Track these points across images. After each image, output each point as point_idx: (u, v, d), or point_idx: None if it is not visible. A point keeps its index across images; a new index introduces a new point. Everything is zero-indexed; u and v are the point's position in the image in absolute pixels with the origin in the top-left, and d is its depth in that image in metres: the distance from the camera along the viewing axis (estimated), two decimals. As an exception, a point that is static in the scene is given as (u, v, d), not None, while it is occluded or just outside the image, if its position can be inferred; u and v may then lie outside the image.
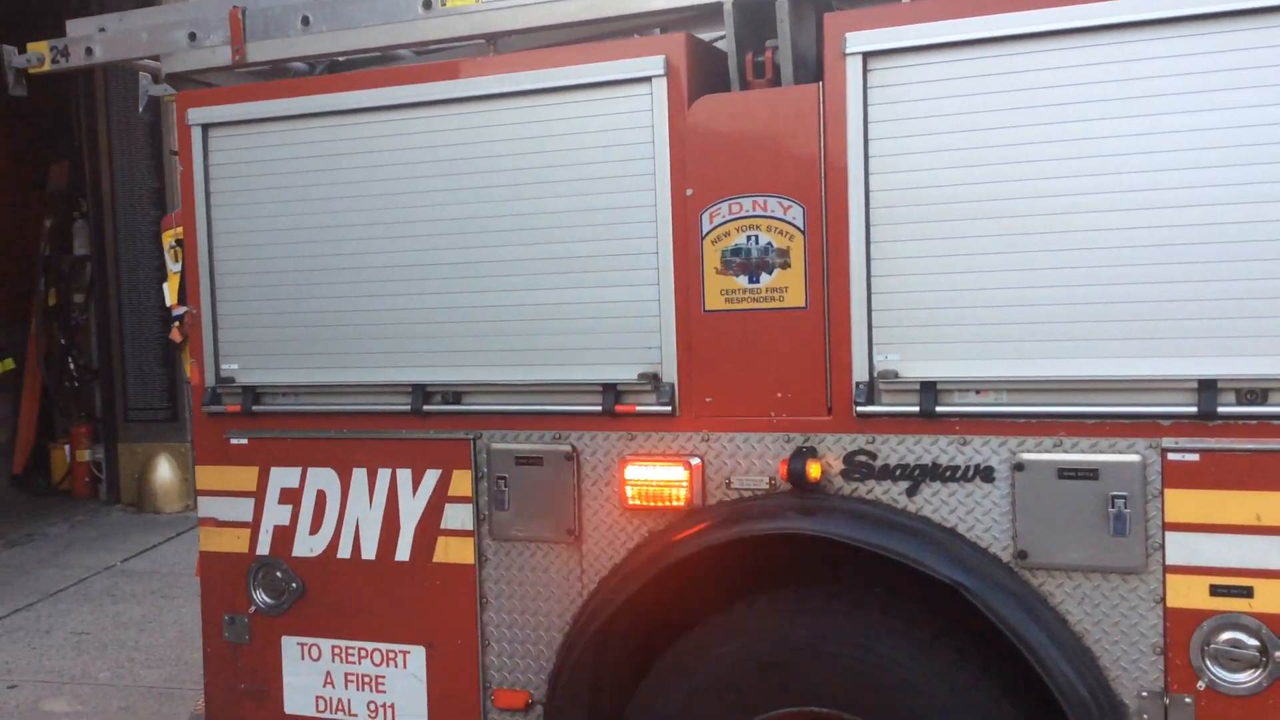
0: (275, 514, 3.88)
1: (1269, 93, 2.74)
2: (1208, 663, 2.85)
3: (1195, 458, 2.84)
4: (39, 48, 4.26)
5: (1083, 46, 2.91)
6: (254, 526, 3.92)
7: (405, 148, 3.61)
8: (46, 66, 4.26)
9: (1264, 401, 2.80)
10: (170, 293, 4.33)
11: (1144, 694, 2.91)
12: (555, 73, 3.42)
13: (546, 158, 3.44)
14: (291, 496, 3.86)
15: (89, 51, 4.15)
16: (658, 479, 3.36)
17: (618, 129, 3.37)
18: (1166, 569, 2.88)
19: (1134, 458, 2.89)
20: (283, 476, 3.87)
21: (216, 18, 3.92)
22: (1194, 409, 2.82)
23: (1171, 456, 2.86)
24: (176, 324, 4.16)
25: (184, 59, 3.99)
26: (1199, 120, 2.81)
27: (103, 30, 4.15)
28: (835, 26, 3.13)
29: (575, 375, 3.44)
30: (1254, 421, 2.80)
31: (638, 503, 3.38)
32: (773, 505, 3.24)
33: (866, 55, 3.09)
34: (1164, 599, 2.89)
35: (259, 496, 3.90)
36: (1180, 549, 2.86)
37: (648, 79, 3.32)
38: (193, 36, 3.98)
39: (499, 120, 3.49)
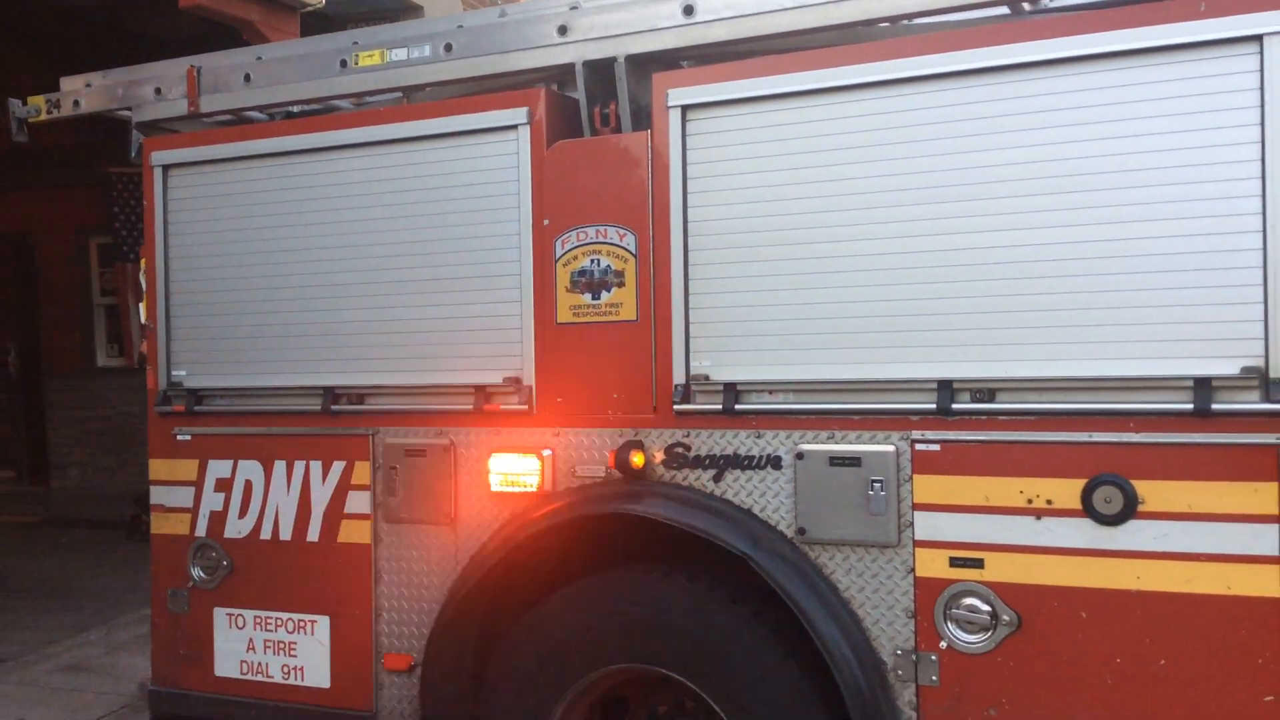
0: (211, 500, 4.59)
1: (998, 139, 3.34)
2: (948, 625, 3.40)
3: (937, 448, 3.42)
4: (37, 100, 5.10)
5: (857, 100, 3.54)
6: (194, 512, 4.63)
7: (319, 185, 4.35)
8: (43, 116, 5.09)
9: (992, 400, 3.37)
10: (144, 311, 5.10)
11: (899, 652, 3.46)
12: (441, 121, 4.14)
13: (431, 193, 4.14)
14: (224, 485, 4.57)
15: (76, 104, 4.98)
16: (516, 469, 4.00)
17: (490, 169, 4.07)
18: (916, 543, 3.44)
19: (889, 448, 3.47)
20: (218, 468, 4.58)
21: (177, 75, 4.71)
22: (934, 406, 3.40)
23: (919, 447, 3.44)
24: (145, 338, 4.93)
25: (150, 110, 4.79)
26: (948, 163, 3.42)
27: (88, 85, 4.98)
28: (661, 84, 3.80)
29: (451, 379, 4.11)
30: (984, 417, 3.37)
31: (501, 489, 4.03)
32: (607, 491, 3.87)
33: (685, 108, 3.76)
34: (914, 569, 3.45)
35: (198, 485, 4.62)
36: (926, 526, 3.43)
37: (514, 127, 4.02)
38: (157, 91, 4.78)
39: (394, 161, 4.21)
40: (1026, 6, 3.47)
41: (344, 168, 4.31)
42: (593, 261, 3.92)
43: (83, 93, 4.99)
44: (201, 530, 4.61)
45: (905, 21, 3.64)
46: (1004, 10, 3.52)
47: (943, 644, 3.41)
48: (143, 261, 4.99)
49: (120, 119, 5.01)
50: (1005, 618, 3.33)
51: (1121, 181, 3.20)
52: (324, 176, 4.35)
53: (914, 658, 3.44)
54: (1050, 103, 3.28)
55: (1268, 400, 3.04)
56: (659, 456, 3.81)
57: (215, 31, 6.63)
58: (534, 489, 3.97)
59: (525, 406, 4.00)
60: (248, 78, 4.59)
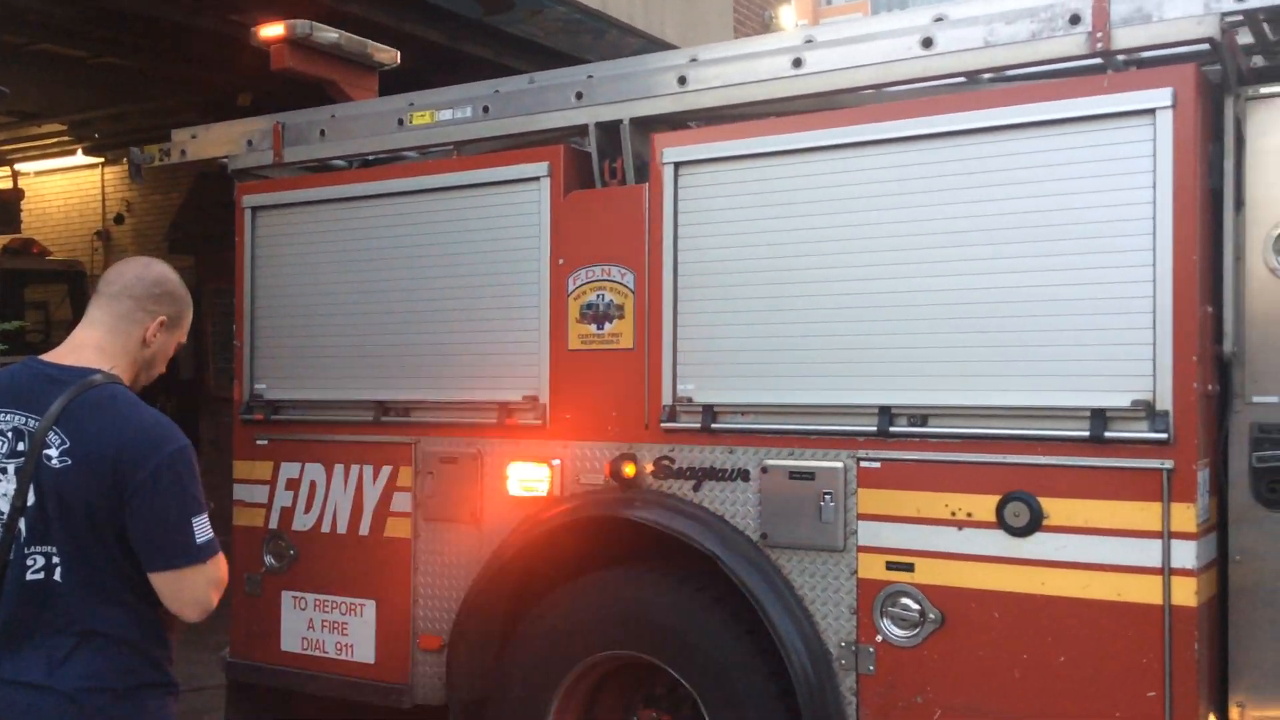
0: (282, 498, 5.35)
1: (936, 196, 3.86)
2: (884, 621, 3.91)
3: (878, 465, 3.93)
4: (152, 149, 5.99)
5: (818, 160, 4.09)
6: (268, 506, 5.39)
7: (378, 226, 5.08)
8: (156, 163, 5.98)
9: (925, 424, 3.87)
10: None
11: (843, 644, 3.98)
12: (478, 173, 4.84)
13: (468, 235, 4.83)
14: (293, 485, 5.32)
15: (183, 152, 5.84)
16: (531, 476, 4.64)
17: (517, 214, 4.74)
18: (859, 549, 3.96)
19: (838, 464, 4.00)
20: (289, 469, 5.34)
21: (266, 129, 5.53)
22: (876, 428, 3.92)
23: (863, 464, 3.96)
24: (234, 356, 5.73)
25: (242, 159, 5.61)
26: (893, 217, 3.95)
27: (193, 137, 5.84)
28: (658, 143, 4.42)
29: (479, 396, 4.77)
30: (917, 439, 3.87)
31: (518, 493, 4.67)
32: (604, 497, 4.47)
33: (677, 164, 4.37)
34: (857, 571, 3.96)
35: (272, 484, 5.38)
36: (868, 534, 3.94)
37: (538, 178, 4.68)
38: (249, 143, 5.60)
39: (440, 206, 4.92)
40: (961, 79, 3.98)
41: (398, 211, 5.03)
42: (598, 296, 4.54)
43: (189, 143, 5.85)
44: (274, 523, 5.36)
45: (866, 92, 4.16)
46: (954, 81, 4.03)
47: (879, 638, 3.92)
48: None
49: (220, 166, 5.86)
50: (931, 616, 3.82)
51: (1036, 235, 3.69)
52: (382, 219, 5.09)
53: (855, 649, 3.95)
54: (980, 165, 3.79)
55: (1153, 430, 3.48)
56: (649, 468, 4.40)
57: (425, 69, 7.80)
58: (545, 494, 4.60)
59: (540, 422, 4.63)
60: (323, 133, 5.37)
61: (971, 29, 3.85)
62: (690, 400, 4.32)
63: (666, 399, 4.36)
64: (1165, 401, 3.47)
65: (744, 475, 4.19)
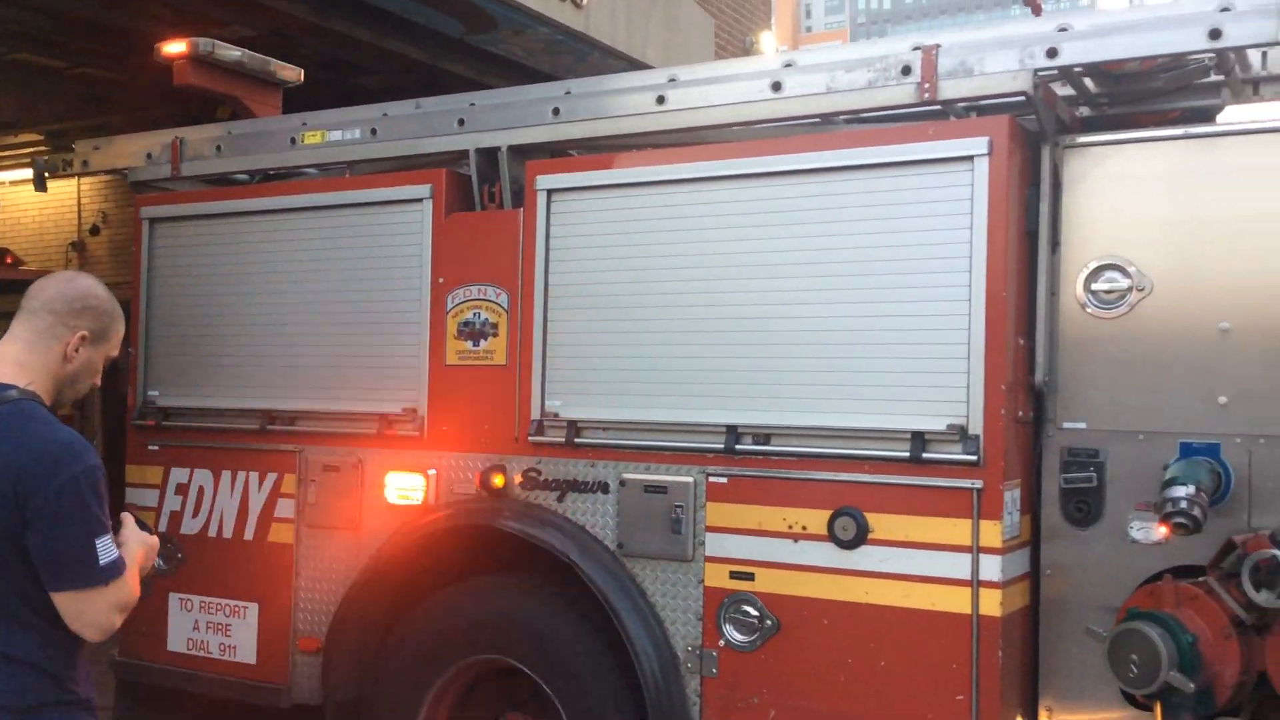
0: (172, 502, 5.52)
1: (776, 230, 4.14)
2: (727, 626, 4.17)
3: (725, 480, 4.21)
4: (55, 158, 6.14)
5: (673, 191, 4.37)
6: (158, 510, 5.55)
7: (269, 240, 5.28)
8: (60, 172, 6.13)
9: (767, 442, 4.15)
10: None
11: (690, 647, 4.24)
12: (363, 193, 5.06)
13: (352, 251, 5.05)
14: (182, 490, 5.49)
15: (85, 163, 6.00)
16: (407, 485, 4.86)
17: (400, 234, 4.96)
18: (706, 559, 4.23)
19: (689, 479, 4.27)
20: (178, 475, 5.51)
21: (164, 143, 5.70)
22: (723, 446, 4.19)
23: (712, 479, 4.23)
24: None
25: (142, 172, 5.78)
26: (739, 247, 4.22)
27: (96, 148, 5.99)
28: (532, 170, 4.67)
29: (361, 407, 4.99)
30: (760, 456, 4.15)
31: (395, 501, 4.88)
32: (475, 506, 4.70)
33: (550, 191, 4.62)
34: (704, 580, 4.23)
35: (162, 489, 5.55)
36: (714, 544, 4.21)
37: (420, 200, 4.91)
38: (149, 156, 5.77)
39: (325, 224, 5.13)
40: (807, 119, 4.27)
41: (291, 227, 5.24)
42: (475, 314, 4.78)
43: (92, 155, 6.01)
44: (163, 526, 5.52)
45: (727, 128, 4.44)
46: (805, 121, 4.33)
47: (722, 642, 4.18)
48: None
49: (120, 177, 6.02)
50: (768, 622, 4.10)
51: (866, 269, 3.99)
52: (274, 234, 5.29)
53: (700, 653, 4.22)
54: (819, 202, 4.09)
55: (965, 452, 3.79)
56: (517, 479, 4.64)
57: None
58: (420, 502, 4.82)
59: (418, 433, 4.85)
60: (219, 149, 5.56)
61: (816, 75, 4.15)
62: (557, 415, 4.56)
63: (535, 414, 4.60)
64: (976, 426, 3.78)
65: (604, 488, 4.45)
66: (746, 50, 10.68)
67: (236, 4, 7.20)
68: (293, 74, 6.36)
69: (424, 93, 5.36)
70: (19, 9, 7.21)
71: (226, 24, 7.57)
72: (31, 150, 13.94)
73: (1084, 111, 4.25)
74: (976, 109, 4.11)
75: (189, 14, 7.44)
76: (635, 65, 8.31)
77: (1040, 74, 3.81)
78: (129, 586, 2.85)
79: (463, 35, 7.86)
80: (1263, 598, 3.41)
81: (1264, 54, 3.99)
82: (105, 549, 2.77)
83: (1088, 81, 4.12)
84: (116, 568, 2.80)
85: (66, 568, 2.73)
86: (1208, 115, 4.14)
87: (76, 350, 2.96)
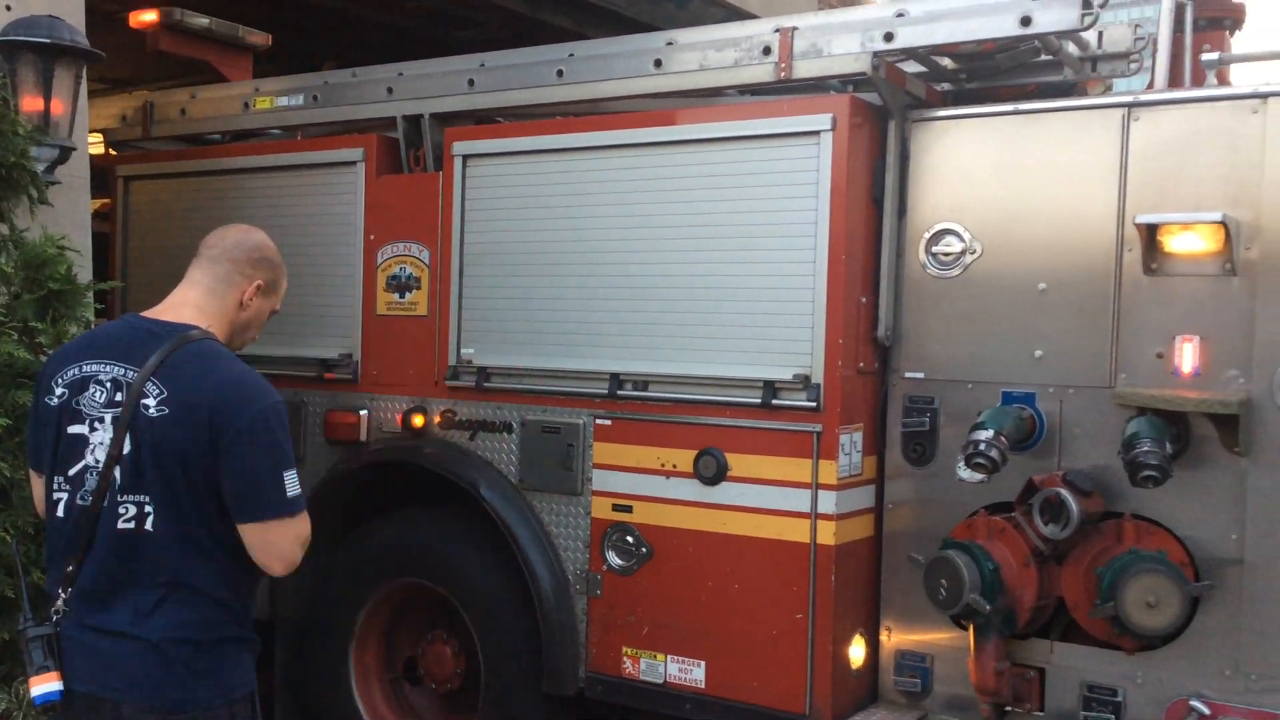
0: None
1: (653, 195, 4.59)
2: (609, 553, 4.70)
3: (609, 422, 4.70)
4: (40, 118, 6.68)
5: (572, 158, 4.82)
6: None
7: (225, 198, 5.80)
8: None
9: (645, 389, 4.64)
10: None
11: (578, 571, 4.77)
12: (305, 155, 5.57)
13: (297, 209, 5.56)
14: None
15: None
16: (342, 423, 5.40)
17: (337, 194, 5.47)
18: (593, 492, 4.74)
19: (579, 420, 4.77)
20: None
21: (139, 105, 6.23)
22: (607, 391, 4.68)
23: (598, 421, 4.73)
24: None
25: (118, 133, 6.33)
26: (624, 211, 4.68)
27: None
28: (450, 136, 5.14)
29: (303, 353, 5.53)
30: (638, 401, 4.64)
31: (332, 438, 5.44)
32: (399, 443, 5.25)
33: (465, 156, 5.09)
34: (591, 511, 4.74)
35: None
36: (600, 480, 4.72)
37: (354, 163, 5.41)
38: (124, 118, 6.30)
39: (276, 183, 5.64)
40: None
41: (245, 185, 5.75)
42: (401, 269, 5.29)
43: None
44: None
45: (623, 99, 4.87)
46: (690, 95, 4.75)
47: (605, 567, 4.71)
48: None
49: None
50: (644, 549, 4.61)
51: (729, 232, 4.43)
52: (230, 192, 5.81)
53: (587, 576, 4.75)
54: (690, 170, 4.52)
55: (808, 399, 4.25)
56: (436, 419, 5.17)
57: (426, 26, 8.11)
58: (354, 438, 5.37)
59: (352, 377, 5.39)
60: (183, 112, 6.09)
61: (691, 53, 4.57)
62: (470, 362, 5.08)
63: (452, 360, 5.12)
64: (818, 376, 4.24)
65: (508, 428, 4.97)
66: None
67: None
68: (260, 39, 6.82)
69: (522, 44, 5.43)
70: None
71: None
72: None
73: (946, 86, 4.64)
74: (830, 86, 4.51)
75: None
76: (735, 13, 8.08)
77: (881, 55, 4.21)
78: (309, 522, 2.90)
79: None
80: (1050, 530, 3.87)
81: (1100, 34, 4.34)
82: (292, 482, 2.81)
83: (946, 60, 4.51)
84: (301, 501, 2.85)
85: (257, 499, 2.77)
86: (1067, 89, 4.52)
87: (251, 298, 3.08)
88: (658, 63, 4.65)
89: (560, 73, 4.90)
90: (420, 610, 5.44)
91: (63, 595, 2.82)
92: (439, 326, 5.17)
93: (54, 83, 4.63)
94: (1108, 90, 4.66)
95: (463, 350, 5.11)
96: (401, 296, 5.29)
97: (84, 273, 4.61)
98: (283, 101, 5.73)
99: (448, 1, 7.74)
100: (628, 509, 4.67)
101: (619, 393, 4.68)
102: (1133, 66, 4.35)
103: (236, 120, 5.89)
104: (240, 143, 6.02)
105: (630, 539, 4.66)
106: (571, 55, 4.89)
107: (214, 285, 3.02)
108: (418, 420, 5.16)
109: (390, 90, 5.37)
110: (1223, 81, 4.62)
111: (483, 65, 5.16)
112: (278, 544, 2.80)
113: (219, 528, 2.79)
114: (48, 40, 4.55)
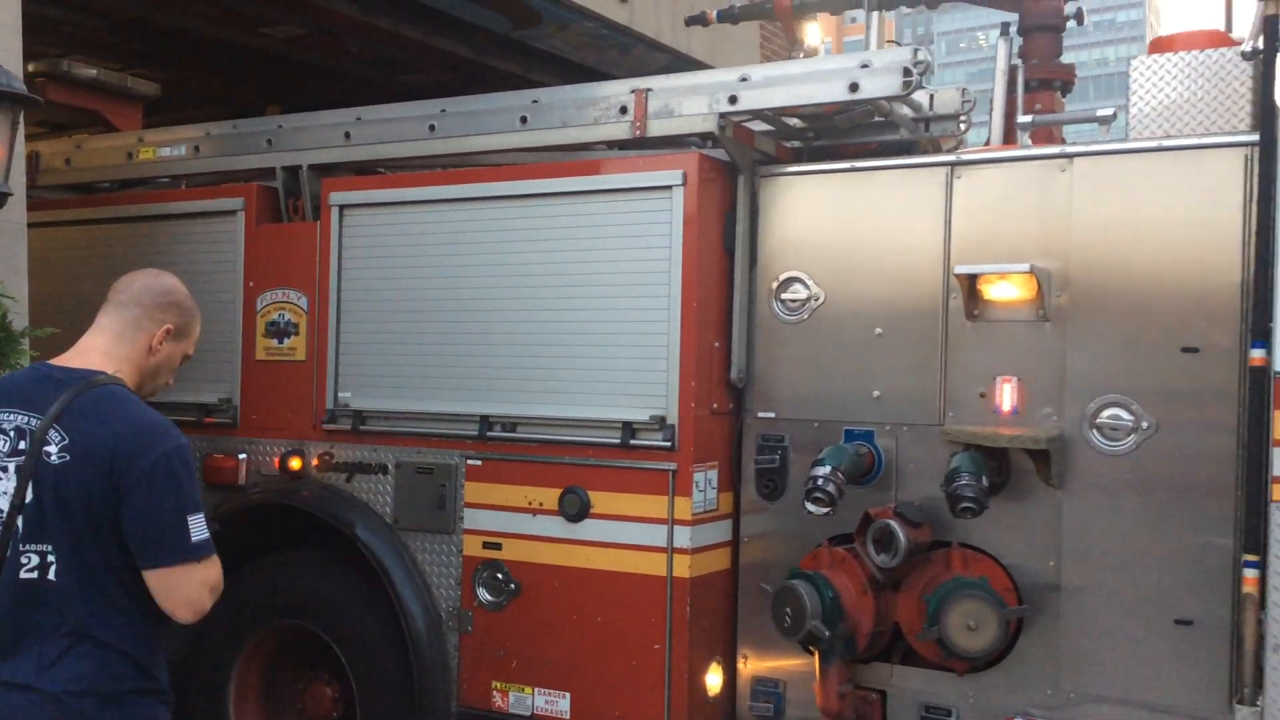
0: None
1: (520, 245, 4.82)
2: (480, 589, 4.88)
3: (480, 463, 4.90)
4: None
5: (440, 210, 5.04)
6: None
7: (114, 245, 5.90)
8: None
9: (514, 430, 4.85)
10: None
11: (450, 608, 4.95)
12: (189, 204, 5.71)
13: (177, 258, 5.68)
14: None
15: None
16: (222, 467, 5.52)
17: (219, 242, 5.61)
18: (464, 530, 4.92)
19: (452, 461, 4.96)
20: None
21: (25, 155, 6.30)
22: (477, 433, 4.88)
23: (469, 462, 4.92)
24: None
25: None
26: (492, 259, 4.90)
27: (-40, 157, 6.58)
28: (327, 187, 5.33)
29: (183, 398, 5.63)
30: (507, 441, 4.85)
31: (212, 482, 5.55)
32: (277, 486, 5.38)
33: (342, 206, 5.29)
34: (462, 549, 4.93)
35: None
36: (471, 519, 4.91)
37: (234, 212, 5.56)
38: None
39: (160, 232, 5.77)
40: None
41: (129, 234, 5.87)
42: (280, 315, 5.45)
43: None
44: None
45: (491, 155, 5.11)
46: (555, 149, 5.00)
47: (476, 603, 4.89)
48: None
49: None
50: (512, 585, 4.80)
51: (591, 281, 4.68)
52: (114, 240, 5.91)
53: (459, 613, 4.92)
54: (553, 221, 4.77)
55: (664, 439, 4.49)
56: (314, 462, 5.32)
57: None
58: (233, 481, 5.49)
59: (231, 421, 5.52)
60: (68, 161, 6.19)
61: (554, 112, 4.83)
62: (347, 406, 5.24)
63: (329, 404, 5.28)
64: (673, 417, 4.49)
65: (384, 469, 5.14)
66: (792, 42, 9.88)
67: (283, 3, 7.27)
68: (149, 88, 6.97)
69: (470, 88, 5.49)
70: (72, 9, 7.27)
71: (276, 23, 7.67)
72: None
73: (797, 144, 4.96)
74: (692, 143, 4.79)
75: (238, 12, 7.49)
76: (680, 58, 8.33)
77: (728, 116, 4.50)
78: (218, 567, 2.85)
79: (510, 31, 7.88)
80: (881, 560, 4.14)
81: (931, 96, 4.69)
82: (198, 526, 2.77)
83: (796, 120, 4.83)
84: (208, 546, 2.80)
85: (160, 543, 2.73)
86: (909, 148, 4.85)
87: (161, 343, 3.04)
88: (524, 119, 4.90)
89: (432, 127, 5.13)
90: (299, 651, 5.55)
91: None
92: (316, 371, 5.34)
93: (-10, 128, 4.48)
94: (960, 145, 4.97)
95: (340, 394, 5.28)
96: (280, 342, 5.45)
97: (19, 319, 4.64)
98: (165, 152, 5.87)
99: (392, 47, 7.81)
100: (497, 546, 4.86)
101: (488, 434, 4.88)
102: (962, 126, 4.70)
103: (119, 170, 6.02)
104: (127, 191, 6.13)
105: (500, 575, 4.85)
106: (444, 111, 5.13)
107: (122, 330, 3.00)
108: (295, 463, 5.31)
109: (270, 142, 5.55)
110: (1054, 141, 5.00)
111: (359, 119, 5.36)
112: (182, 590, 2.76)
113: (125, 576, 2.76)
114: (-18, 86, 4.50)
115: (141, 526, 2.73)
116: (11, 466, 2.78)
